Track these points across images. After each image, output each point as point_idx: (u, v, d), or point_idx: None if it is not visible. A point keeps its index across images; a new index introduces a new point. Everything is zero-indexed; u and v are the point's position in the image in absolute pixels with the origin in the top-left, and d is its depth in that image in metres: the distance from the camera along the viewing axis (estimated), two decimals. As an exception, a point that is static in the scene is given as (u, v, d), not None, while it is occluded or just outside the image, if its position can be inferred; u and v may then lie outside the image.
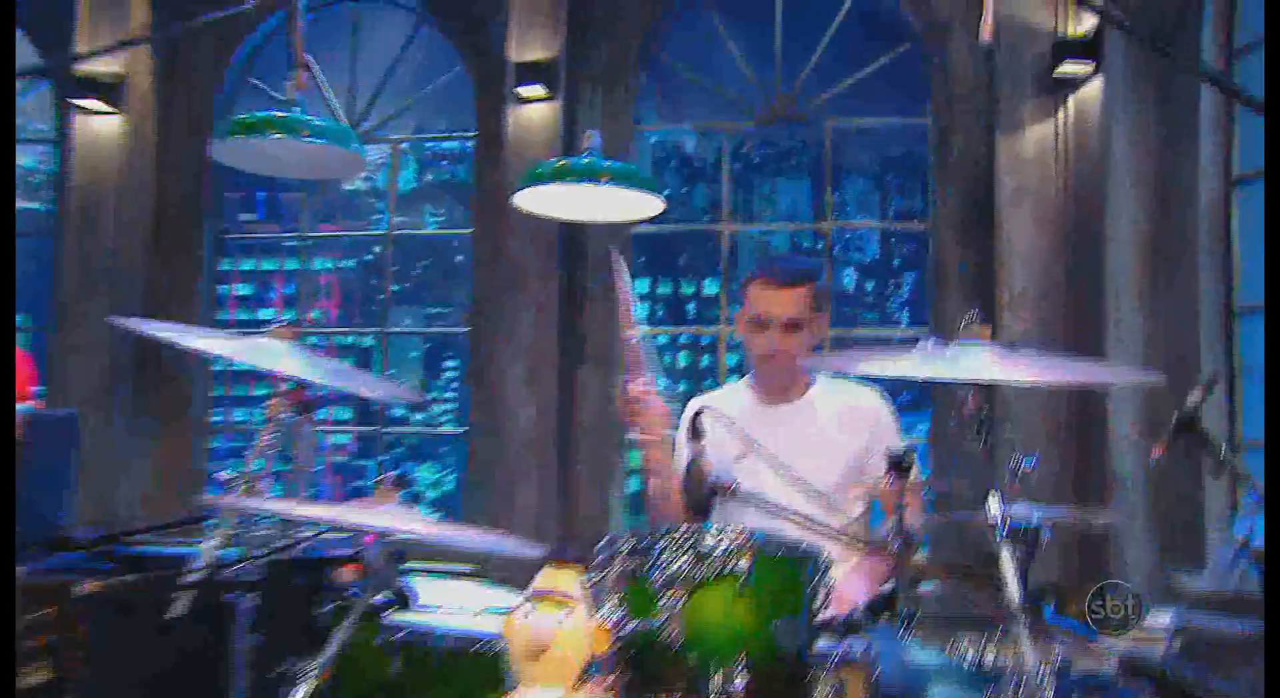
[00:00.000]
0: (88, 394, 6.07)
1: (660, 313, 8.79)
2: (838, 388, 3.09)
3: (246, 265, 8.65)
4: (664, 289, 8.80)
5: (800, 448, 3.00)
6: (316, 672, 2.13)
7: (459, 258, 8.01)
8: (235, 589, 2.71)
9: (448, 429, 7.81)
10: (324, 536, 3.00)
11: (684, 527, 2.14)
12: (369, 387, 2.66)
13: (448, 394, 8.77)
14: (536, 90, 5.70)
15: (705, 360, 8.17)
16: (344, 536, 3.08)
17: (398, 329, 7.80)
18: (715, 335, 6.76)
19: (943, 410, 5.53)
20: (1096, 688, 2.23)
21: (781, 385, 3.06)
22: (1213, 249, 4.53)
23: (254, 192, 8.18)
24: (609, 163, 4.35)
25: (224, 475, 2.97)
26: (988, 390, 2.22)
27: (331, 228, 8.10)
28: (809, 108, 6.17)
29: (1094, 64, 5.00)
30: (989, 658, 1.99)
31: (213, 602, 2.72)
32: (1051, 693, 1.87)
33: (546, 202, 4.51)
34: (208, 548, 2.84)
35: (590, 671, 1.89)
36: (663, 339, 8.51)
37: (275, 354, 2.48)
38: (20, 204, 7.17)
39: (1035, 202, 5.12)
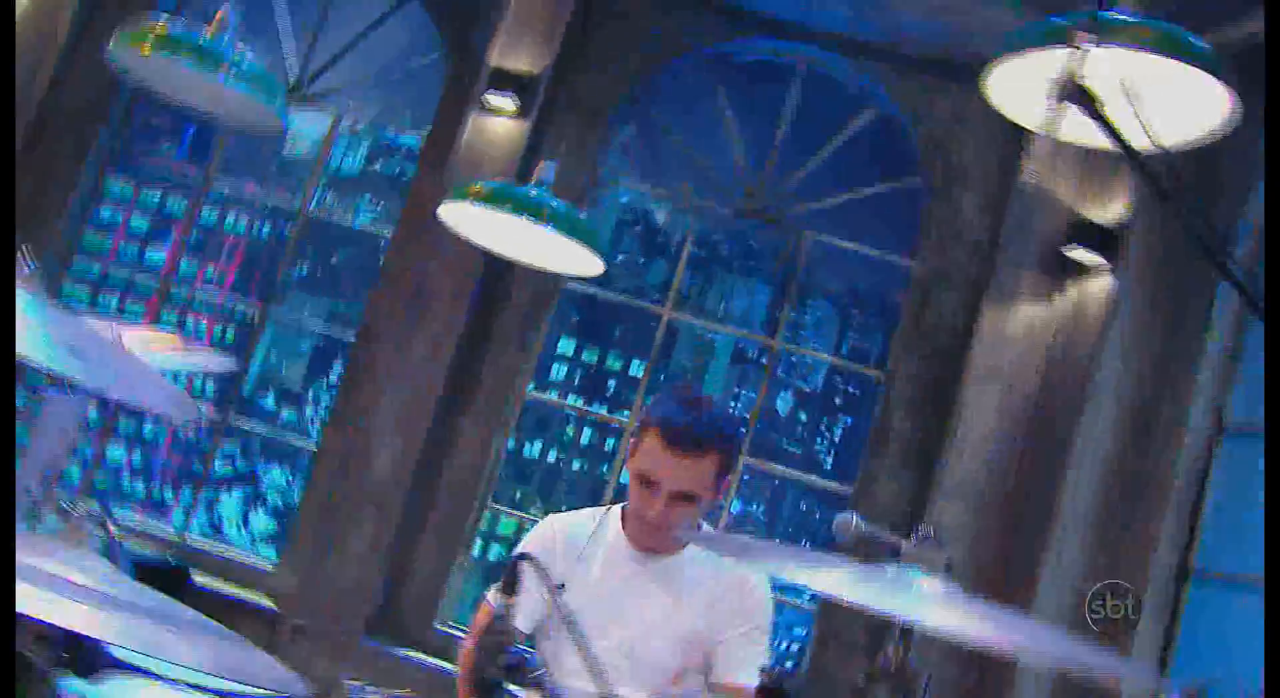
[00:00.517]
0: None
1: (579, 380, 8.13)
2: (714, 569, 2.57)
3: (150, 200, 7.87)
4: (589, 357, 8.16)
5: (653, 619, 2.49)
6: None
7: (380, 259, 7.29)
8: None
9: (298, 442, 7.04)
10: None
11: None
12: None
13: (325, 399, 8.03)
14: (507, 103, 5.07)
15: (609, 444, 7.52)
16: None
17: (289, 318, 7.06)
18: (623, 426, 6.13)
19: (826, 634, 4.94)
20: None
21: (655, 544, 2.59)
22: (1182, 501, 4.00)
23: (185, 127, 7.43)
24: (557, 204, 3.78)
25: None
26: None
27: (254, 188, 7.37)
28: (791, 212, 5.63)
29: (1108, 260, 4.51)
30: None
31: None
32: None
33: (478, 225, 3.92)
34: None
35: None
36: (570, 412, 7.86)
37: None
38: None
39: (1006, 389, 4.57)
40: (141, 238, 7.48)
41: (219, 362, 3.51)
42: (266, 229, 7.84)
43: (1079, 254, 4.61)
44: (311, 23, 6.10)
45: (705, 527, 2.69)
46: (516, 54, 5.14)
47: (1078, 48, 1.94)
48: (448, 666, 4.67)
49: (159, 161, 7.23)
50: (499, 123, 5.13)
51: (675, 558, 2.58)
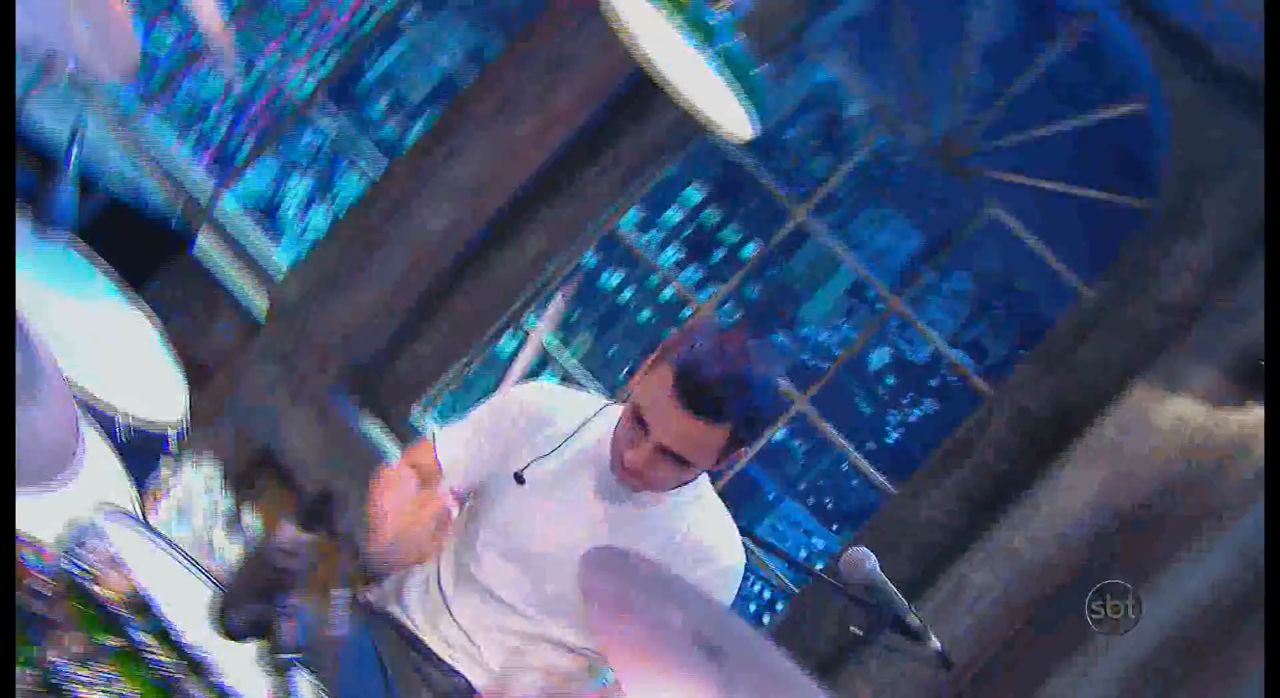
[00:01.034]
0: None
1: (687, 234, 7.45)
2: (701, 516, 2.19)
3: None
4: (707, 217, 7.48)
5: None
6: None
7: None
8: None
9: (368, 162, 6.57)
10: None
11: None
12: None
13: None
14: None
15: (685, 313, 6.95)
16: None
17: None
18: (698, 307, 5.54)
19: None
20: None
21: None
22: None
23: None
24: (732, 42, 3.10)
25: None
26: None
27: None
28: (969, 155, 4.79)
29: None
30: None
31: None
32: None
33: (644, 21, 3.26)
34: None
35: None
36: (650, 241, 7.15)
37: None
38: None
39: (1116, 474, 3.83)
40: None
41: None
42: None
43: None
44: None
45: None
46: None
47: None
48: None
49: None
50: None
51: (655, 509, 2.15)
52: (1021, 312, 6.33)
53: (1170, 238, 4.23)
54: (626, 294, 7.80)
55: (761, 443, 4.74)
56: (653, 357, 2.04)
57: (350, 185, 7.42)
